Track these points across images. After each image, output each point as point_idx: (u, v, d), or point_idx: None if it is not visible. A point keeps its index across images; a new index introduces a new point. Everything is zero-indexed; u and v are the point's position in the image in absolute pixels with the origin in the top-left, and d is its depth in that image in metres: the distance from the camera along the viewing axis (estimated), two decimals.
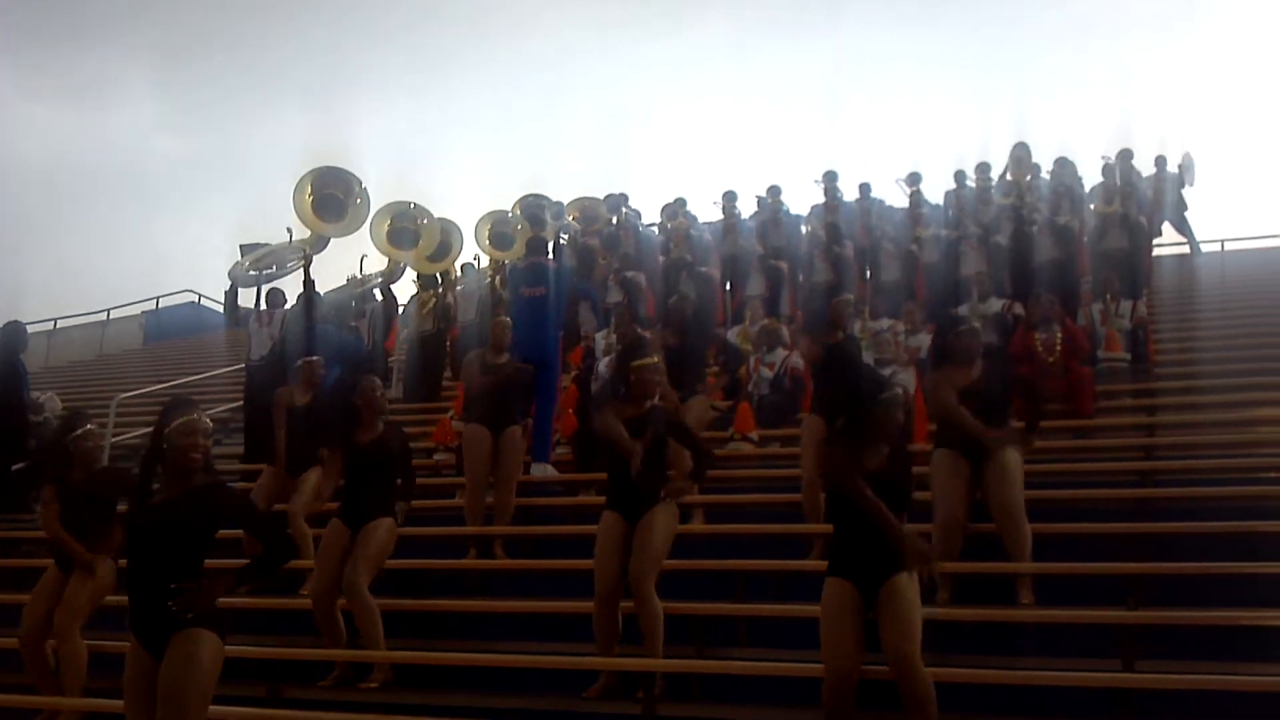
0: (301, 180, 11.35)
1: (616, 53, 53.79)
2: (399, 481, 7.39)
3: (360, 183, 11.59)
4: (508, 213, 13.46)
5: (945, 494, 6.91)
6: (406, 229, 12.53)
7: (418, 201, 12.72)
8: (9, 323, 11.04)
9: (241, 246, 13.91)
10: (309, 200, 11.30)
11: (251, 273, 11.98)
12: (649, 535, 6.36)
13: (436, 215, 13.10)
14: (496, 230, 13.06)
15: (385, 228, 12.33)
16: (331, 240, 11.63)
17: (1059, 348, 9.85)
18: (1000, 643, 6.41)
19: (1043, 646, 6.27)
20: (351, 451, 7.31)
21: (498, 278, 12.12)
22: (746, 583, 7.43)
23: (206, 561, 4.93)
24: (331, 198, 11.46)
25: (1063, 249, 12.71)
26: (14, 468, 10.79)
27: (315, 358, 9.26)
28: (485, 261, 13.73)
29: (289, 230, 12.05)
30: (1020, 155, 14.80)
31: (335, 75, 53.80)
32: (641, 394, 6.64)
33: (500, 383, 8.76)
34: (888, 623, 5.25)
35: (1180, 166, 16.28)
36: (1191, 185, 16.55)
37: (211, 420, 5.20)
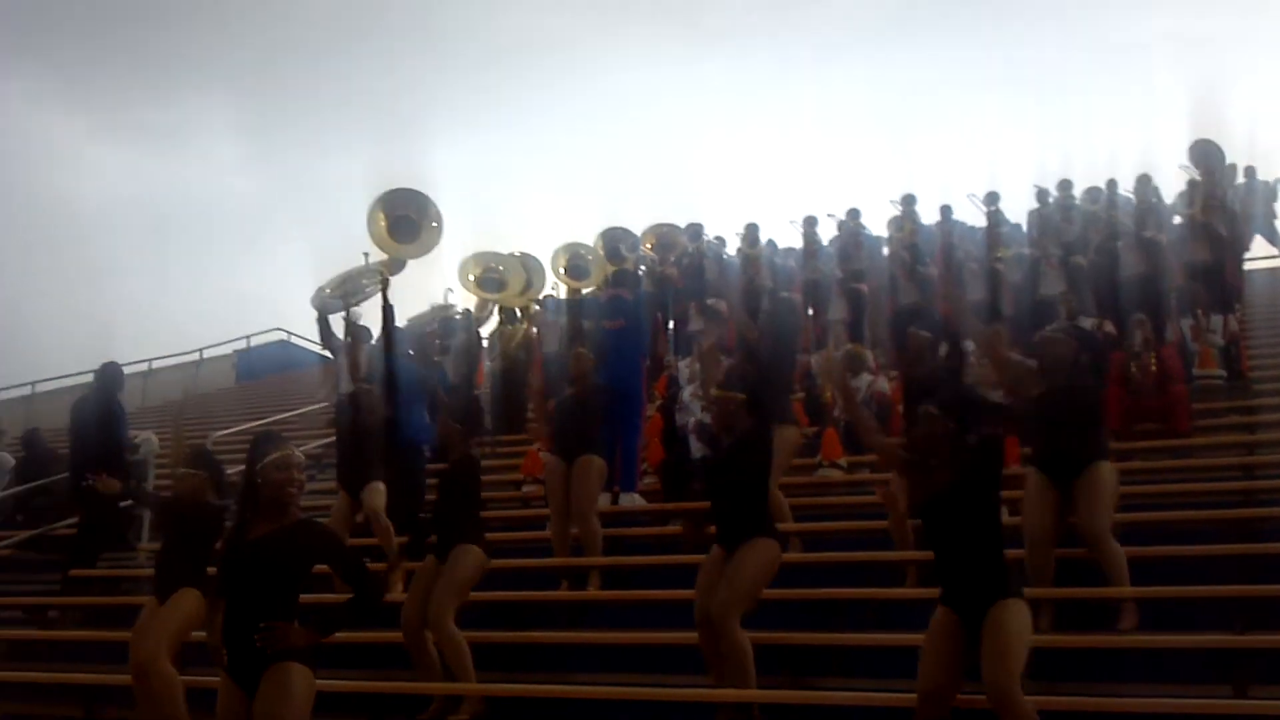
0: (374, 203, 11.55)
1: (687, 81, 53.99)
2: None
3: (433, 204, 11.75)
4: (579, 245, 13.60)
5: (1033, 514, 6.80)
6: (492, 278, 12.83)
7: (499, 248, 13.06)
8: (106, 363, 11.28)
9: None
10: (383, 223, 11.49)
11: (334, 298, 12.16)
12: (738, 571, 6.28)
13: (516, 248, 13.35)
14: (572, 262, 13.18)
15: (473, 275, 12.67)
16: (409, 262, 11.78)
17: (1153, 368, 9.66)
18: (1104, 669, 6.27)
19: (1149, 673, 6.12)
20: (440, 478, 7.37)
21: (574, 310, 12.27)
22: (837, 611, 7.35)
23: (301, 597, 5.00)
24: (405, 219, 11.64)
25: (1149, 263, 12.47)
26: (120, 505, 11.02)
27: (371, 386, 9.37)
28: (564, 291, 13.85)
29: (365, 254, 12.26)
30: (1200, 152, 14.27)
31: (413, 112, 54.61)
32: (723, 424, 6.61)
33: (572, 404, 8.80)
34: (986, 653, 5.14)
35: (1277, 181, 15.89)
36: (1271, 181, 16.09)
37: (308, 456, 5.27)
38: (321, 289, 12.29)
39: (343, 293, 11.73)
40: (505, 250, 13.47)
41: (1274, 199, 16.22)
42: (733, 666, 6.27)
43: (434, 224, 11.60)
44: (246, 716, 4.83)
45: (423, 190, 11.65)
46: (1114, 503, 6.99)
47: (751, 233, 15.50)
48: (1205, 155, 13.90)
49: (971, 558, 5.26)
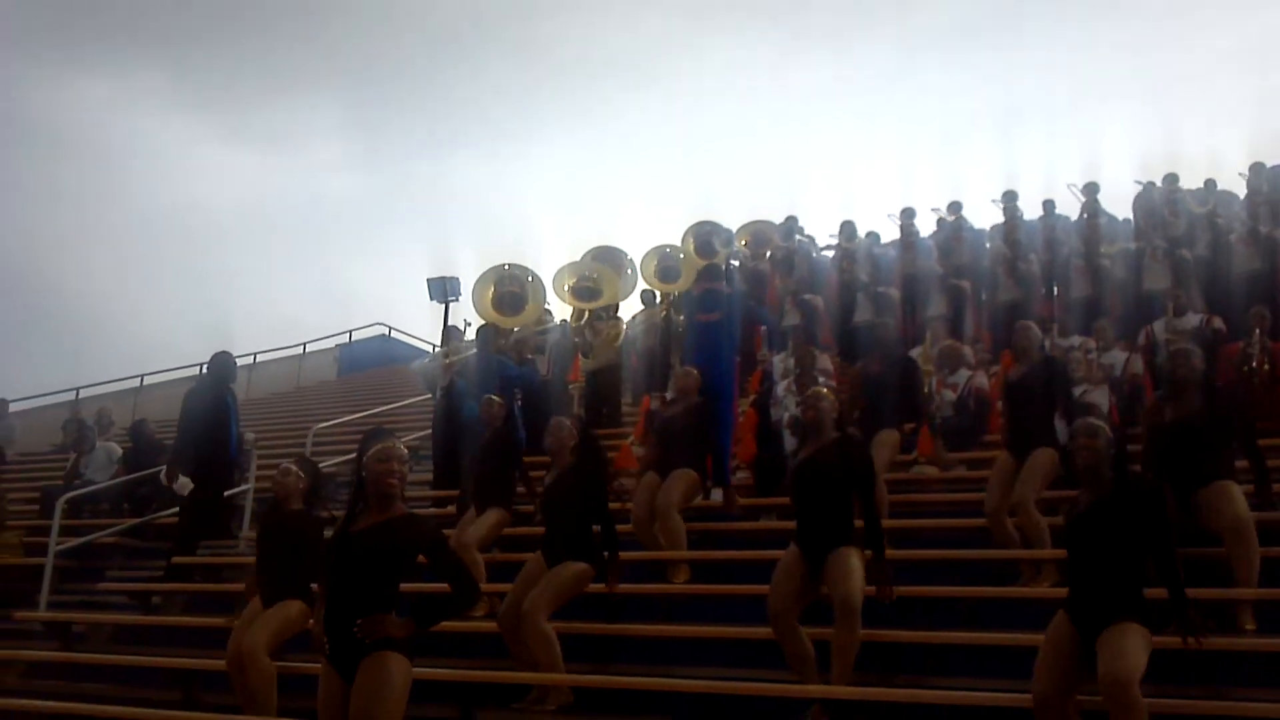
0: (483, 277, 12.06)
1: (780, 78, 53.66)
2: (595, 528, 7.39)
3: (535, 277, 12.27)
4: (668, 247, 13.70)
5: None
6: (586, 287, 13.04)
7: (591, 260, 13.30)
8: (218, 353, 11.51)
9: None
10: (489, 298, 11.96)
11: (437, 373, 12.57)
12: (835, 589, 6.24)
13: (608, 246, 13.54)
14: (662, 265, 13.31)
15: (567, 286, 12.92)
16: None
17: (1266, 366, 9.37)
18: (1222, 672, 6.10)
19: (1269, 677, 5.95)
20: (545, 493, 7.49)
21: (669, 309, 12.36)
22: (931, 609, 7.27)
23: (402, 586, 5.09)
24: (511, 295, 12.10)
25: (1265, 259, 12.09)
26: (225, 494, 11.30)
27: (495, 396, 9.49)
28: (658, 295, 13.98)
29: (465, 322, 12.77)
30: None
31: (512, 111, 55.16)
32: (812, 423, 6.58)
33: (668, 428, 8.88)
34: (1104, 653, 4.97)
35: None
36: None
37: (407, 448, 5.36)
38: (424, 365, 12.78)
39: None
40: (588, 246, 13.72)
41: None
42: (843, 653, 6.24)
43: (534, 299, 12.09)
44: (345, 704, 4.93)
45: (531, 268, 12.19)
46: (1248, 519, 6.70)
47: (847, 229, 15.39)
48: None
49: (1107, 581, 5.10)
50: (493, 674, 7.45)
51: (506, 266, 13.02)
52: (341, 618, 4.97)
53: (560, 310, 14.48)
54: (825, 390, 6.73)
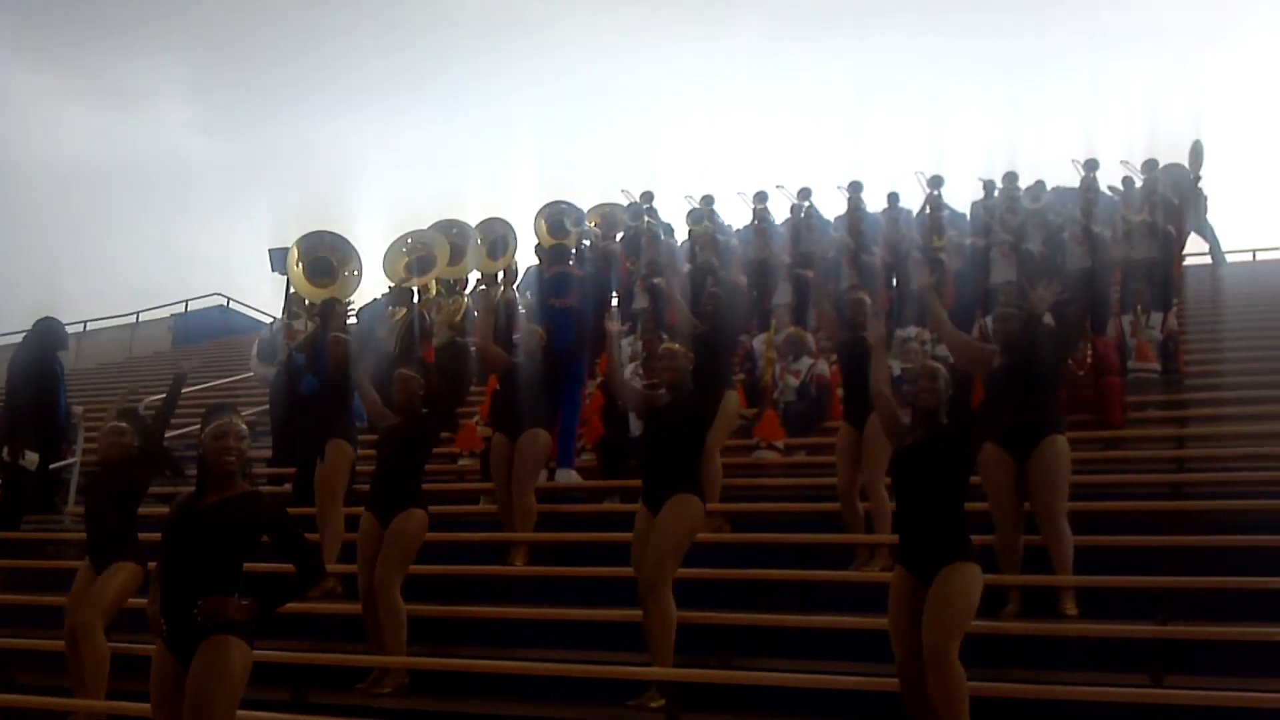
0: (292, 246, 11.86)
1: (641, 59, 53.78)
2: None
3: (355, 252, 12.13)
4: (497, 220, 13.67)
5: (995, 491, 6.88)
6: (421, 258, 12.88)
7: (417, 228, 13.14)
8: (44, 319, 10.99)
9: (270, 252, 14.04)
10: (299, 267, 11.77)
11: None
12: (664, 529, 6.27)
13: (449, 220, 13.39)
14: (489, 240, 13.30)
15: (401, 264, 12.72)
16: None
17: (1088, 360, 9.77)
18: (1021, 656, 6.35)
19: (1070, 660, 6.21)
20: (381, 437, 7.30)
21: (508, 285, 12.33)
22: (770, 592, 7.38)
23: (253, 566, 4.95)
24: (322, 261, 11.90)
25: (1094, 257, 12.58)
26: (51, 467, 10.83)
27: (342, 335, 9.25)
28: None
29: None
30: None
31: (365, 79, 54.04)
32: (667, 378, 6.58)
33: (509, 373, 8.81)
34: (928, 612, 5.12)
35: (1191, 154, 16.07)
36: (1198, 175, 16.31)
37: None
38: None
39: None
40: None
41: (1203, 194, 16.44)
42: (653, 635, 6.27)
43: (354, 272, 11.89)
44: (180, 688, 4.77)
45: (343, 234, 12.02)
46: (1068, 482, 7.05)
47: (705, 205, 15.45)
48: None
49: (932, 516, 5.23)
50: (326, 656, 7.31)
51: (410, 239, 12.84)
52: (180, 599, 4.80)
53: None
54: (678, 347, 6.70)
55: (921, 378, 5.47)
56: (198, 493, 5.00)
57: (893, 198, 15.26)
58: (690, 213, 15.59)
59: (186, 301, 25.26)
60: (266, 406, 12.47)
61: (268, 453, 11.97)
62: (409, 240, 13.06)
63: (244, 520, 4.88)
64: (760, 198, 15.46)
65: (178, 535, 4.90)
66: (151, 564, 5.80)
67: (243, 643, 4.80)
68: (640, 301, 13.89)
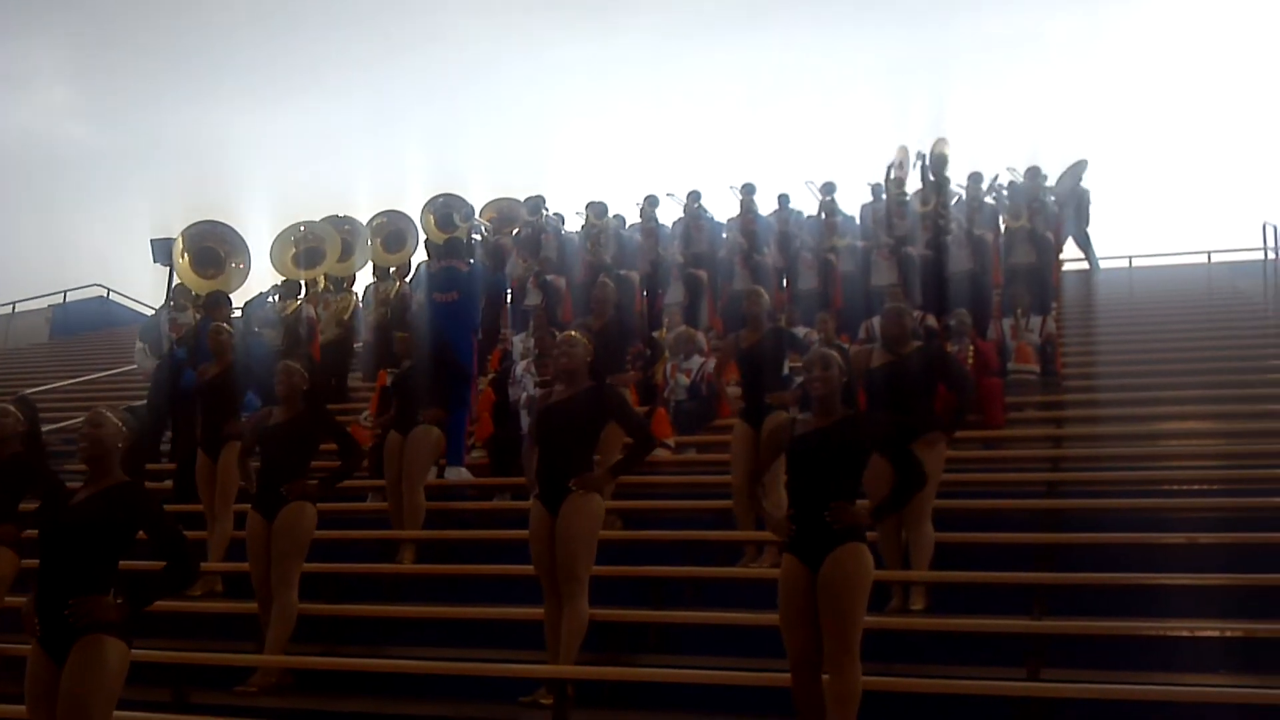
0: (177, 238, 11.68)
1: (531, 61, 53.54)
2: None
3: (243, 245, 12.00)
4: (390, 214, 13.61)
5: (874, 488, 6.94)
6: (309, 249, 12.79)
7: (309, 219, 13.02)
8: None
9: (153, 243, 13.69)
10: (186, 259, 11.60)
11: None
12: (568, 534, 6.21)
13: (341, 216, 13.30)
14: (386, 232, 13.25)
15: (289, 254, 12.59)
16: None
17: (970, 361, 10.01)
18: (902, 651, 6.48)
19: (948, 655, 6.36)
20: (265, 433, 7.18)
21: (402, 283, 12.25)
22: (661, 589, 7.43)
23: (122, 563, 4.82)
24: (208, 251, 11.74)
25: (977, 261, 12.90)
26: None
27: (224, 325, 9.07)
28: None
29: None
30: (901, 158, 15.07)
31: (250, 69, 52.93)
32: (564, 369, 6.46)
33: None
34: (824, 607, 5.08)
35: (1073, 167, 16.61)
36: (1079, 183, 16.86)
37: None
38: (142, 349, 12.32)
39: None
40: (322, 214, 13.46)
41: (1086, 203, 16.99)
42: (571, 633, 6.23)
43: (239, 264, 11.76)
44: (55, 688, 4.64)
45: (228, 224, 11.88)
46: (937, 481, 7.23)
47: (596, 208, 15.46)
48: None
49: (826, 505, 5.14)
50: (207, 655, 7.18)
51: (302, 227, 12.69)
52: (53, 597, 4.67)
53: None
54: (578, 335, 6.62)
55: (814, 365, 5.43)
56: (77, 488, 4.89)
57: (783, 199, 15.48)
58: (590, 205, 15.57)
59: (65, 292, 24.64)
60: (145, 401, 12.18)
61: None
62: (300, 229, 12.91)
63: (117, 513, 4.75)
64: (651, 201, 15.53)
65: (49, 531, 4.78)
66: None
67: (119, 642, 4.68)
68: (532, 298, 13.85)
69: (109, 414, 4.94)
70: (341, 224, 13.64)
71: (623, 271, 14.13)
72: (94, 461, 4.84)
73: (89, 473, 4.85)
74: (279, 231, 13.05)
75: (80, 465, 5.16)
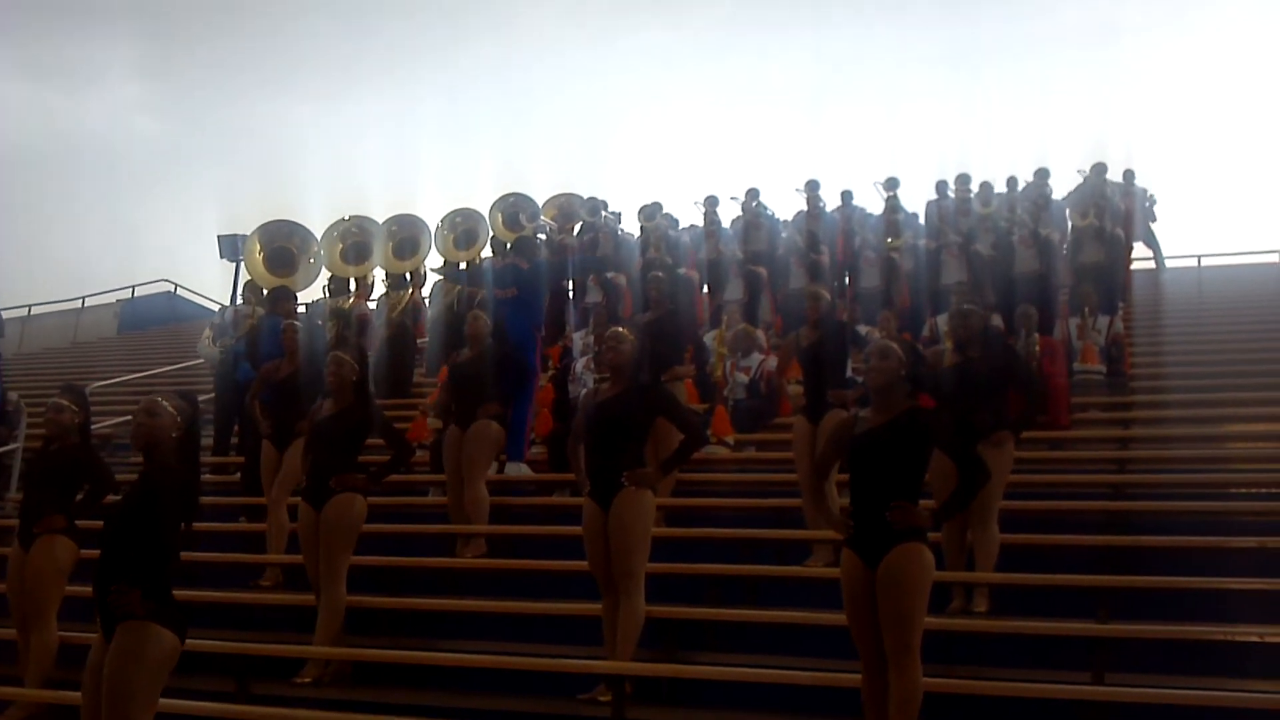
0: (251, 235, 11.79)
1: (597, 52, 53.69)
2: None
3: (313, 238, 12.12)
4: (464, 212, 13.70)
5: (939, 489, 6.82)
6: (360, 243, 12.92)
7: (359, 214, 13.23)
8: None
9: (219, 239, 13.89)
10: (259, 255, 11.72)
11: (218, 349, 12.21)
12: (620, 530, 6.23)
13: (402, 213, 13.43)
14: (461, 230, 13.34)
15: (338, 251, 12.73)
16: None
17: (1037, 354, 9.88)
18: (965, 652, 6.42)
19: (1011, 657, 6.29)
20: (315, 426, 7.21)
21: (416, 288, 12.44)
22: (721, 587, 7.41)
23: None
24: (283, 251, 11.89)
25: (1043, 261, 12.74)
26: None
27: (296, 323, 9.17)
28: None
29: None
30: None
31: (317, 64, 53.55)
32: (611, 364, 6.48)
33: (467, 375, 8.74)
34: (883, 596, 5.05)
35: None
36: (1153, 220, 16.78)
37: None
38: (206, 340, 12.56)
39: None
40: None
41: (1152, 202, 16.76)
42: (628, 630, 6.26)
43: (311, 260, 11.91)
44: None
45: (302, 223, 12.00)
46: (1004, 482, 7.17)
47: (652, 210, 15.50)
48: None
49: (885, 502, 5.09)
50: (268, 646, 7.25)
51: (348, 217, 12.86)
52: (103, 584, 4.77)
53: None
54: (625, 331, 6.59)
55: (873, 355, 5.38)
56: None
57: (846, 196, 15.41)
58: (641, 209, 15.62)
59: (133, 288, 25.04)
60: (212, 395, 12.37)
61: (209, 442, 11.85)
62: (345, 222, 13.06)
63: (149, 498, 4.80)
64: (710, 202, 15.53)
65: (106, 520, 4.85)
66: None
67: (167, 630, 4.72)
68: (593, 296, 13.89)
69: (164, 403, 4.97)
70: (392, 223, 13.76)
71: (682, 270, 14.16)
72: (147, 450, 4.88)
73: (143, 461, 4.89)
74: (326, 227, 13.21)
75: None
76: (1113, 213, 13.85)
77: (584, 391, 9.84)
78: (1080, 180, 14.59)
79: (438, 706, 6.49)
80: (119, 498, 5.00)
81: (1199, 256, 19.42)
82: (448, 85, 54.59)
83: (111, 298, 24.65)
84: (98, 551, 5.01)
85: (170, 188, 54.90)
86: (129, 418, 12.23)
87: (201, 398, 12.65)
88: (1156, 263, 17.80)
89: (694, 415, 7.28)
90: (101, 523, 5.09)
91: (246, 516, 9.65)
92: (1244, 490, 8.43)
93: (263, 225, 12.28)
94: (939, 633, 6.12)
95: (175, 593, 4.93)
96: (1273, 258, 19.27)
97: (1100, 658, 5.99)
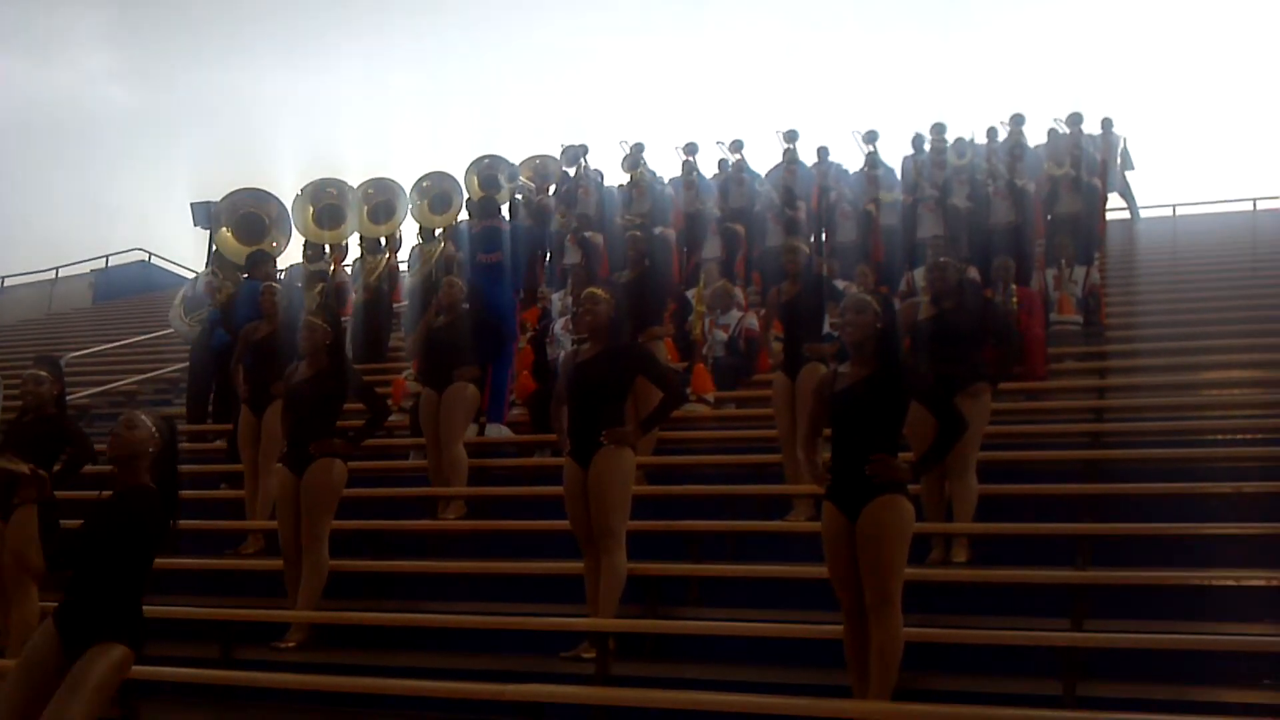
0: (219, 207, 11.75)
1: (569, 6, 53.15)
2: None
3: (286, 214, 12.04)
4: (433, 176, 13.62)
5: (918, 441, 6.84)
6: (333, 205, 12.84)
7: (335, 177, 13.13)
8: None
9: (193, 206, 13.78)
10: (229, 233, 11.67)
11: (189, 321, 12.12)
12: (600, 489, 6.25)
13: (378, 177, 13.35)
14: (433, 195, 13.26)
15: (310, 213, 12.65)
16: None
17: (1015, 305, 9.91)
18: (945, 602, 6.47)
19: (991, 606, 6.33)
20: (290, 390, 7.19)
21: (446, 242, 12.28)
22: (702, 543, 7.44)
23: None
24: (251, 217, 11.83)
25: (1019, 212, 12.75)
26: None
27: (275, 284, 9.11)
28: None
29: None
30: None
31: (290, 29, 52.99)
32: (588, 326, 6.47)
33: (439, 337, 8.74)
34: (863, 556, 5.09)
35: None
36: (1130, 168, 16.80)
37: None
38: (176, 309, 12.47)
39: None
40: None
41: (1126, 154, 16.79)
42: (610, 588, 6.28)
43: (281, 233, 11.87)
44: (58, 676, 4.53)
45: (270, 191, 11.95)
46: (982, 433, 7.20)
47: (635, 154, 15.37)
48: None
49: (865, 456, 5.12)
50: (251, 612, 7.28)
51: (322, 180, 12.80)
52: (72, 592, 4.63)
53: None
54: (601, 292, 6.57)
55: (848, 310, 5.38)
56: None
57: (822, 151, 15.36)
58: (624, 159, 15.48)
59: (107, 257, 24.86)
60: (187, 364, 12.32)
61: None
62: (318, 186, 12.99)
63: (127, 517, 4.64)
64: (690, 149, 15.37)
65: (86, 523, 4.71)
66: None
67: (118, 645, 4.53)
68: (571, 256, 13.85)
69: (144, 417, 4.84)
70: (381, 186, 13.65)
71: (659, 229, 14.11)
72: (121, 463, 4.75)
73: (115, 473, 4.75)
74: (296, 195, 13.12)
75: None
76: (1088, 163, 13.86)
77: (564, 353, 9.83)
78: (1057, 131, 14.58)
79: (421, 668, 6.50)
80: (98, 472, 4.88)
81: (1174, 206, 19.53)
82: (421, 49, 54.09)
83: (86, 268, 24.54)
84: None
85: (143, 156, 54.35)
86: (105, 388, 12.28)
87: (175, 367, 12.73)
88: (1131, 213, 17.84)
89: (673, 373, 7.30)
90: (79, 493, 5.01)
91: (227, 484, 9.63)
92: (1219, 436, 8.51)
93: (230, 194, 12.17)
94: (919, 583, 6.16)
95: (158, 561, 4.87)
96: (1246, 206, 19.38)
97: (1079, 605, 6.04)
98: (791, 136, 15.14)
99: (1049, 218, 13.25)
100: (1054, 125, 14.59)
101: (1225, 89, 47.11)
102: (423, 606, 7.28)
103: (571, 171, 15.68)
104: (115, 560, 4.61)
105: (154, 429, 4.80)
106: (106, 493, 4.72)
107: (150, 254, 25.36)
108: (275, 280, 10.18)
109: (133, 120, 54.71)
